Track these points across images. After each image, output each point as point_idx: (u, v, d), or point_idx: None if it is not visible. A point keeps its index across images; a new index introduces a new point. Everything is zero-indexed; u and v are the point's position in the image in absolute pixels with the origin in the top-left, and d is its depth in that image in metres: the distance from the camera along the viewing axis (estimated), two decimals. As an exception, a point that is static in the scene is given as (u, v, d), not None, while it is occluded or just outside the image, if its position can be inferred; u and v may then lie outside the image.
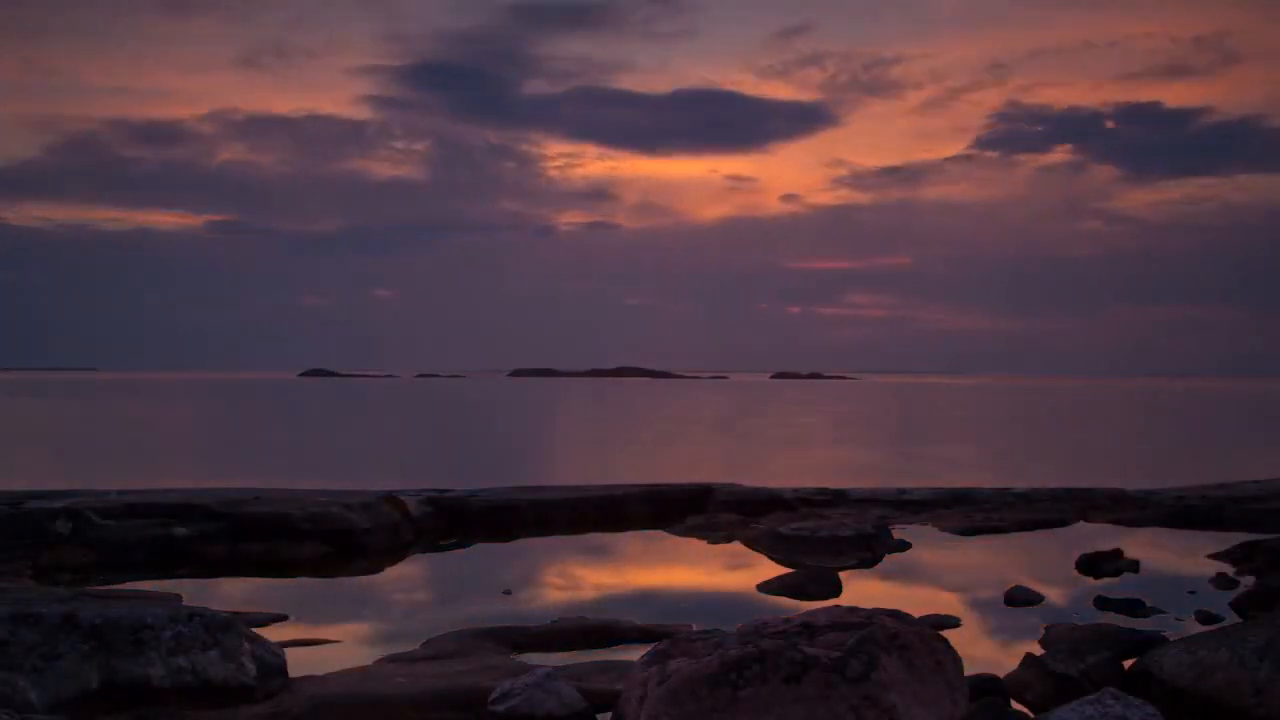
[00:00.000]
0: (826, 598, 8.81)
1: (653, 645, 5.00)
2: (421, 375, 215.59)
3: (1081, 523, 13.51)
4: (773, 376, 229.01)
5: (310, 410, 60.82)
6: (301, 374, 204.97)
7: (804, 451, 30.38)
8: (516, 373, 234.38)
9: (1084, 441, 35.41)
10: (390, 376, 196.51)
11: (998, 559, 11.05)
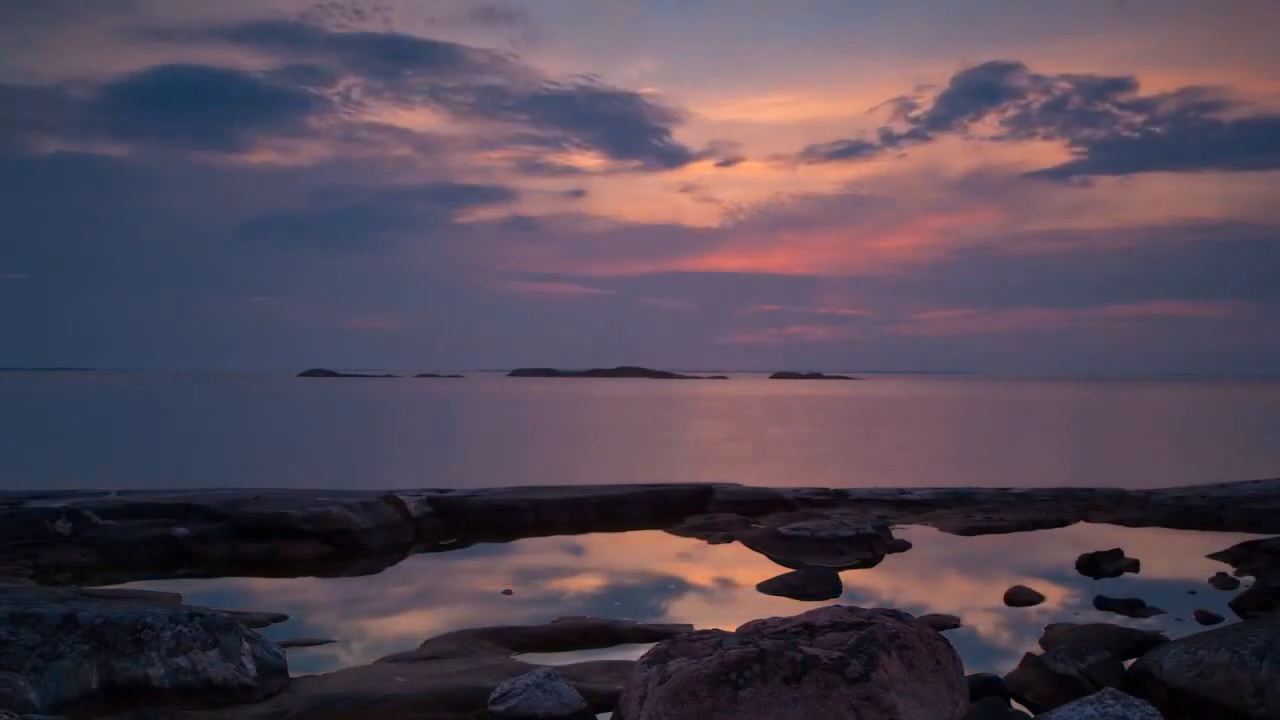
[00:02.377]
0: (826, 598, 8.82)
1: (653, 645, 5.00)
2: (422, 375, 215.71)
3: (1081, 523, 13.53)
4: (773, 376, 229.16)
5: (309, 411, 60.82)
6: (301, 374, 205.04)
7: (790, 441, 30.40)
8: (517, 372, 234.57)
9: (1084, 443, 35.44)
10: (390, 376, 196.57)
11: (998, 559, 11.05)
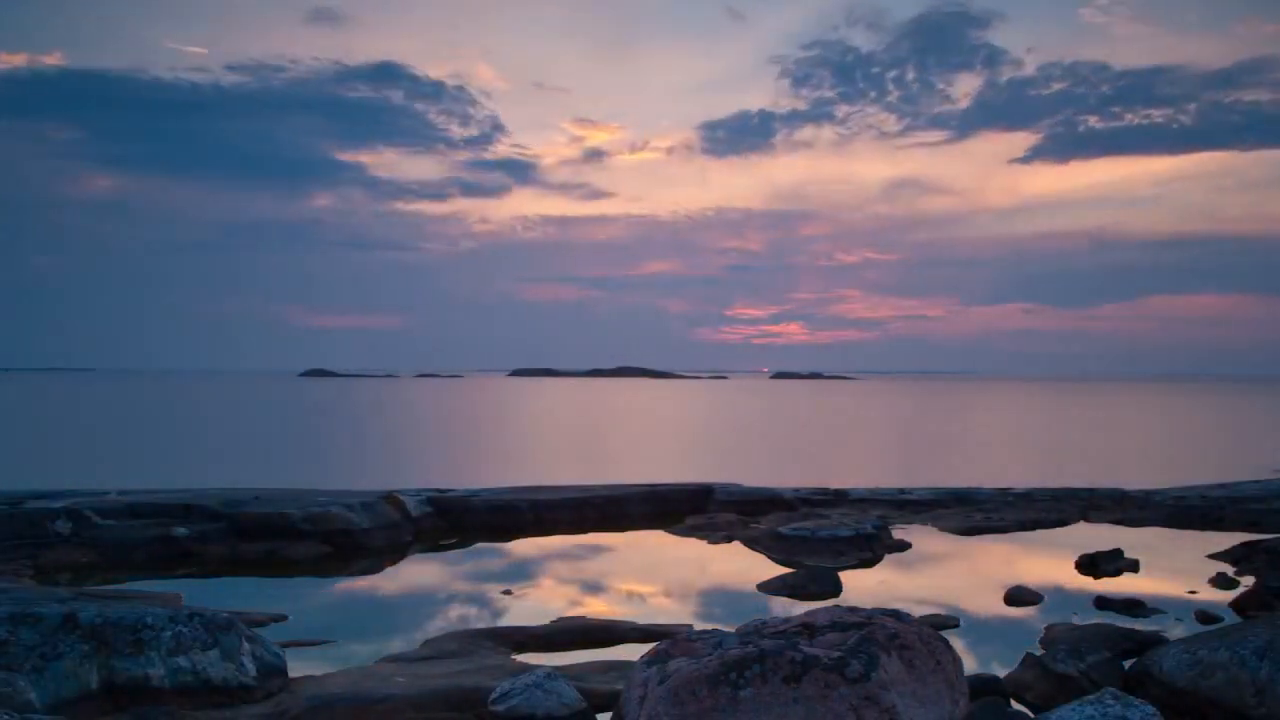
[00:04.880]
0: (826, 598, 8.82)
1: (653, 645, 5.00)
2: (422, 375, 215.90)
3: (1081, 523, 13.54)
4: (773, 376, 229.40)
5: (309, 411, 60.83)
6: (301, 374, 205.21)
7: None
8: (516, 372, 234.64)
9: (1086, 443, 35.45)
10: (390, 376, 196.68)
11: (998, 559, 11.05)
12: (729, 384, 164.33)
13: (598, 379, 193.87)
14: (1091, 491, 14.97)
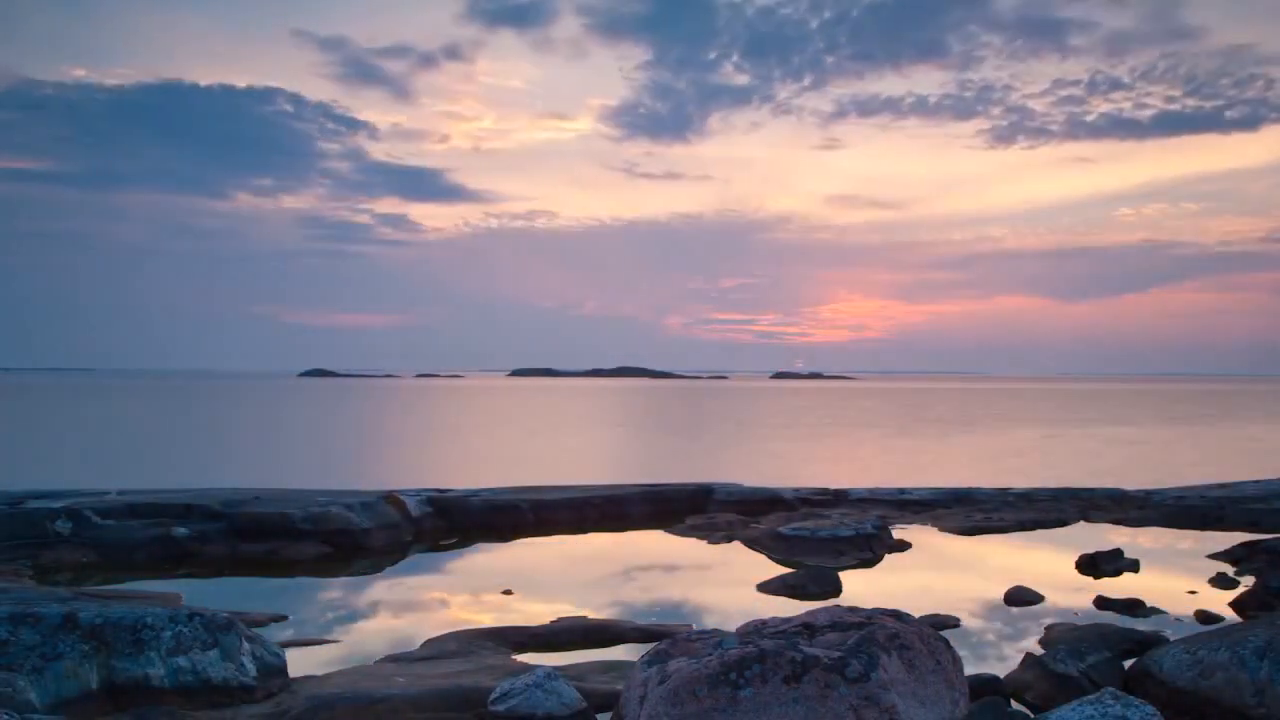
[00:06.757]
0: (826, 598, 8.82)
1: (653, 645, 5.00)
2: (421, 375, 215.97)
3: (1081, 523, 13.54)
4: (772, 376, 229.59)
5: (309, 411, 60.83)
6: (301, 374, 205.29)
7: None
8: (516, 372, 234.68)
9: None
10: (390, 377, 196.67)
11: (998, 559, 11.05)
12: (729, 384, 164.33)
13: (598, 379, 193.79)
14: (1091, 491, 14.98)
